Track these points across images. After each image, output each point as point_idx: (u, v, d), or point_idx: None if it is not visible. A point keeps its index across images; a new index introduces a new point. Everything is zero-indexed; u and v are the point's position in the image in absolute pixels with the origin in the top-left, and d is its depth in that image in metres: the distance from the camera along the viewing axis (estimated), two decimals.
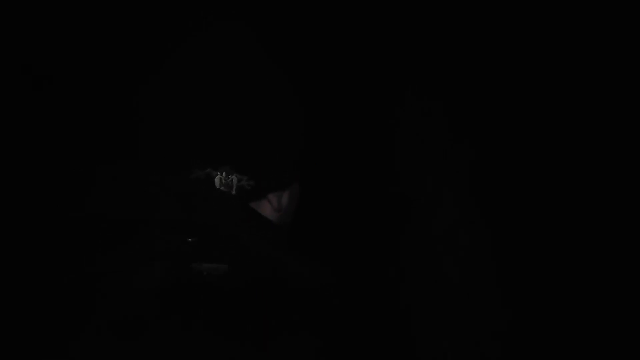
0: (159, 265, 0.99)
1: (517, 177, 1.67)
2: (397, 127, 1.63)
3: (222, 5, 1.09)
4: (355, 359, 0.99)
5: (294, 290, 1.00)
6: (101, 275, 0.99)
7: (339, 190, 1.69)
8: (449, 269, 1.57)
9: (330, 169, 1.15)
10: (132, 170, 1.07)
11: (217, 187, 1.09)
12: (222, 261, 1.00)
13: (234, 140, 1.09)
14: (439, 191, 1.60)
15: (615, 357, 1.58)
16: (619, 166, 1.91)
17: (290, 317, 0.98)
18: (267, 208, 1.11)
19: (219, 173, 1.09)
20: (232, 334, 0.96)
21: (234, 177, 1.09)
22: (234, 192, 1.09)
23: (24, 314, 0.98)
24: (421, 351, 1.52)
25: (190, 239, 1.01)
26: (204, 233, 1.01)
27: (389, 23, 1.70)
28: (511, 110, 1.69)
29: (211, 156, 1.09)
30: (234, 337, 0.96)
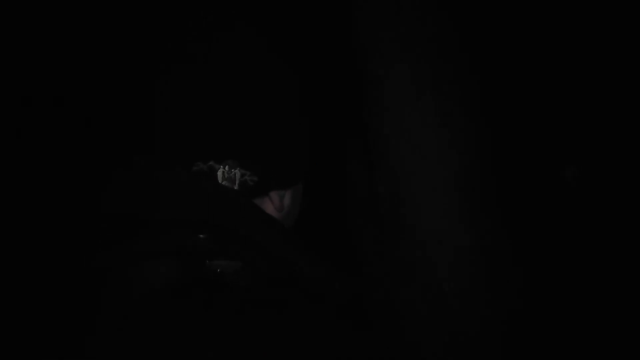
0: (172, 262, 0.97)
1: (508, 176, 1.71)
2: (388, 124, 1.63)
3: (227, 3, 1.07)
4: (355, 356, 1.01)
5: (307, 289, 1.01)
6: (112, 270, 0.95)
7: (326, 189, 1.69)
8: (439, 266, 1.59)
9: (321, 170, 1.16)
10: (138, 165, 1.03)
11: (220, 181, 1.07)
12: (235, 258, 1.00)
13: (238, 134, 1.08)
14: (429, 190, 1.62)
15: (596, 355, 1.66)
16: (613, 173, 2.00)
17: (303, 315, 0.99)
18: (269, 207, 1.10)
19: (221, 167, 1.07)
20: (244, 330, 0.96)
21: (237, 171, 1.08)
22: (236, 187, 1.08)
23: (34, 308, 0.93)
24: (413, 349, 1.54)
25: (202, 236, 0.99)
26: (215, 230, 1.00)
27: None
28: (502, 113, 1.73)
29: (214, 149, 1.07)
30: (247, 333, 0.96)
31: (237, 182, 1.09)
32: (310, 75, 1.15)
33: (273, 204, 1.12)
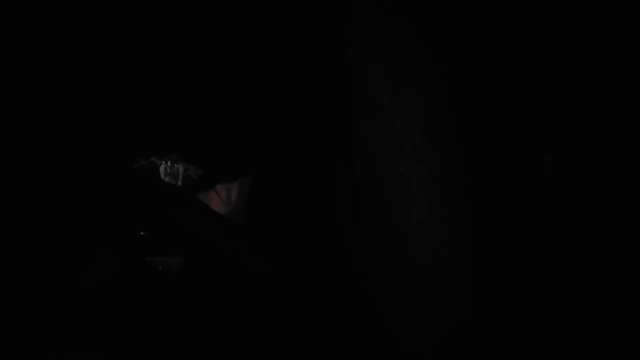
0: (110, 259, 0.93)
1: (492, 172, 1.70)
2: (370, 121, 1.62)
3: None
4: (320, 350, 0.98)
5: (250, 281, 0.97)
6: (54, 269, 0.92)
7: (306, 184, 1.67)
8: (423, 263, 1.56)
9: (299, 163, 1.12)
10: (78, 162, 1.00)
11: (162, 177, 1.03)
12: (176, 254, 0.95)
13: (180, 127, 1.04)
14: (410, 187, 1.61)
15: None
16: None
17: (248, 308, 0.96)
18: (216, 200, 1.06)
19: (164, 162, 1.03)
20: (189, 325, 0.93)
21: (179, 166, 1.04)
22: (180, 182, 1.04)
23: None
24: (394, 344, 1.52)
25: (142, 233, 0.95)
26: (155, 226, 0.96)
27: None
28: (486, 111, 1.72)
29: (155, 145, 1.03)
30: (191, 328, 0.93)
31: (180, 177, 1.05)
32: (271, 69, 1.12)
33: (220, 198, 1.07)
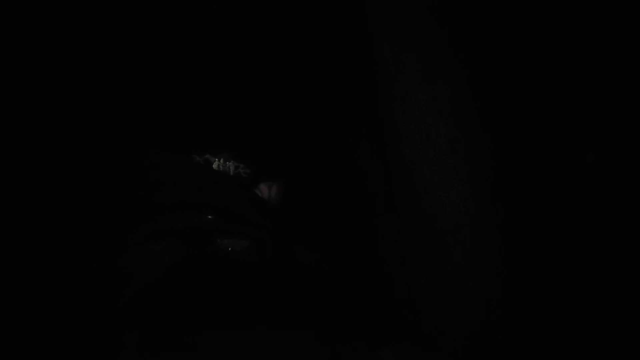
0: (177, 243, 1.00)
1: (523, 164, 1.74)
2: (400, 114, 1.65)
3: None
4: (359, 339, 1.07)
5: (304, 266, 1.07)
6: (129, 251, 0.98)
7: (344, 181, 1.70)
8: (455, 255, 1.60)
9: (336, 161, 1.22)
10: (142, 155, 1.07)
11: None
12: (242, 237, 1.05)
13: (233, 128, 1.14)
14: (444, 179, 1.63)
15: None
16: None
17: (306, 292, 1.05)
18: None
19: (217, 159, 1.13)
20: (253, 304, 1.01)
21: (231, 164, 1.14)
22: None
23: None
24: (430, 337, 1.54)
25: (210, 217, 1.04)
26: (222, 212, 1.05)
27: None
28: (515, 102, 1.76)
29: (210, 143, 1.13)
30: (256, 306, 1.01)
31: (231, 173, 1.14)
32: (306, 73, 1.22)
33: (262, 194, 1.18)
